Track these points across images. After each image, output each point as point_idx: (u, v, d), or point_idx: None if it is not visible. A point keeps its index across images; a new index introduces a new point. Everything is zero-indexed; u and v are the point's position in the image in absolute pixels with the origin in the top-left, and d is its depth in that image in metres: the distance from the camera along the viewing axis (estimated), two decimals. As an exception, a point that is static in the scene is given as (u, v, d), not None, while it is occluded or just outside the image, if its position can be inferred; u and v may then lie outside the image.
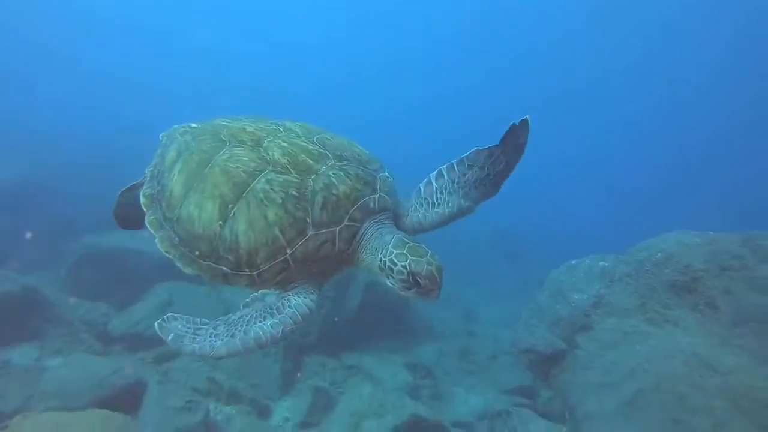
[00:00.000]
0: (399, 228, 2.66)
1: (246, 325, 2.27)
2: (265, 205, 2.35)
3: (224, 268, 2.42)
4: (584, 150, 28.85)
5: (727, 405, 4.00)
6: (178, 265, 2.57)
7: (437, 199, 2.62)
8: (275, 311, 2.31)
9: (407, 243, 2.30)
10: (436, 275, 2.18)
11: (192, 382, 5.72)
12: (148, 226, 2.77)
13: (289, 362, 6.28)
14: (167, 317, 2.37)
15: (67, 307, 6.78)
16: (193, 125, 3.00)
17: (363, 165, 2.60)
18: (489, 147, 2.54)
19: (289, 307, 2.31)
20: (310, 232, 2.32)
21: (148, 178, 2.98)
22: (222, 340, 2.21)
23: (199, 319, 2.39)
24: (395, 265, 2.25)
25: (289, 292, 2.38)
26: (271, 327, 2.25)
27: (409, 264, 2.21)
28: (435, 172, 2.65)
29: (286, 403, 5.91)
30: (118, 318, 6.68)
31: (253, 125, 2.77)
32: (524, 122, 2.46)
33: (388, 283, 2.33)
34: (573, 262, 5.92)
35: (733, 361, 4.21)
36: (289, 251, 2.33)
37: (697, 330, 4.66)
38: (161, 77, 25.74)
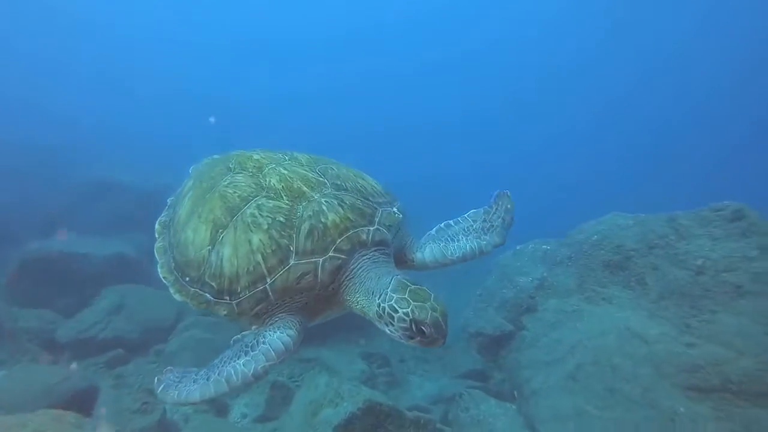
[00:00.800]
0: (407, 264, 2.61)
1: (222, 366, 2.17)
2: (251, 231, 2.27)
3: (207, 295, 2.35)
4: (531, 141, 29.71)
5: (652, 371, 4.37)
6: (171, 291, 2.55)
7: (455, 238, 2.63)
8: (249, 349, 2.18)
9: (408, 286, 2.12)
10: (442, 323, 2.00)
11: (147, 384, 5.65)
12: (155, 252, 2.81)
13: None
14: (165, 370, 2.35)
15: (9, 316, 6.54)
16: (215, 156, 3.09)
17: (365, 197, 2.50)
18: (484, 208, 2.78)
19: (263, 343, 2.16)
20: (292, 261, 2.20)
21: (167, 207, 3.06)
22: (198, 384, 2.14)
23: (191, 369, 2.32)
24: (396, 312, 2.05)
25: (267, 327, 2.25)
26: (243, 365, 2.11)
27: (412, 311, 2.01)
28: (443, 224, 2.75)
29: (243, 400, 5.93)
30: (66, 325, 6.49)
31: (261, 154, 2.77)
32: (506, 194, 2.75)
33: (387, 331, 2.13)
34: (518, 247, 6.25)
35: (659, 331, 4.58)
36: (269, 280, 2.20)
37: (628, 305, 5.03)
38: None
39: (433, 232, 2.70)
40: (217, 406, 5.70)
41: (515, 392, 5.52)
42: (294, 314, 2.29)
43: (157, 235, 2.87)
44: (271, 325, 2.25)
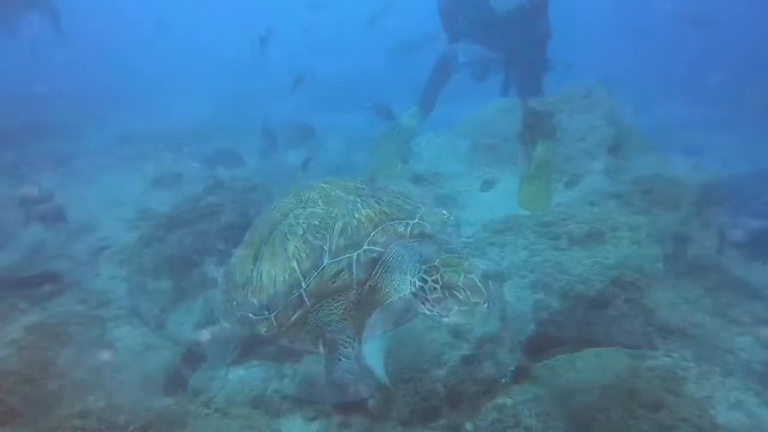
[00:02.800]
0: None
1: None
2: (288, 239, 2.23)
3: (250, 315, 2.27)
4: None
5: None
6: (222, 320, 2.57)
7: None
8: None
9: (440, 255, 1.91)
10: (479, 284, 1.77)
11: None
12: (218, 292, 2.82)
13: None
14: None
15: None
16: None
17: (406, 197, 2.42)
18: None
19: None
20: (326, 261, 2.09)
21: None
22: None
23: None
24: (425, 282, 1.85)
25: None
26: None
27: (441, 276, 1.81)
28: None
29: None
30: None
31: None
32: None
33: (426, 311, 1.89)
34: (417, 139, 6.76)
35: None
36: (303, 285, 2.09)
37: (510, 180, 5.80)
38: None
39: None
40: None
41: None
42: (340, 323, 2.09)
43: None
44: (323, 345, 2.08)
